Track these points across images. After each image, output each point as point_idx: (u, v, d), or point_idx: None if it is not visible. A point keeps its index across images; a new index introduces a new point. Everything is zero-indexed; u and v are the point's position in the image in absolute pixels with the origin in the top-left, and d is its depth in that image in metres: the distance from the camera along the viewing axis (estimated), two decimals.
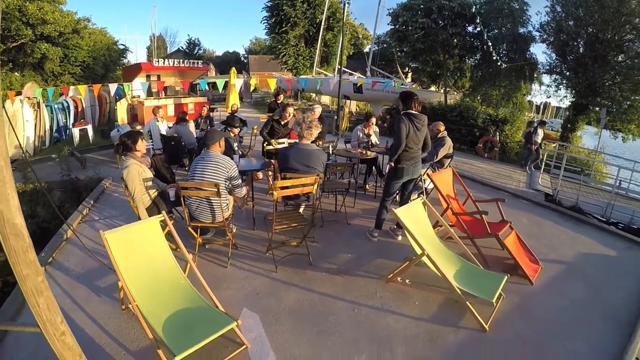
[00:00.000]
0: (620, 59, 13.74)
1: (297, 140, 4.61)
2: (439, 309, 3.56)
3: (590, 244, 5.86)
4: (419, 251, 3.60)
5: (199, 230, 4.19)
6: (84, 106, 13.09)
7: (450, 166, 6.21)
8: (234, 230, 4.65)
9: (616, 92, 13.83)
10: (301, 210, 4.89)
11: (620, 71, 13.63)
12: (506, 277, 3.65)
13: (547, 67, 15.73)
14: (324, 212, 5.42)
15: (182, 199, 3.92)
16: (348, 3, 17.84)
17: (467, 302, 3.38)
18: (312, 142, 4.56)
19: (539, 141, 11.46)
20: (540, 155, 11.22)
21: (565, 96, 15.87)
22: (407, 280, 3.90)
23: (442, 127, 6.40)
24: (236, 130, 6.70)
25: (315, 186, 4.00)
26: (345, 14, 16.88)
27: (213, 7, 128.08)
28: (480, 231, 4.54)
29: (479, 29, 14.99)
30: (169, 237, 3.39)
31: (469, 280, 3.59)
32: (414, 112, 4.43)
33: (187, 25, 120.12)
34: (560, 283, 4.43)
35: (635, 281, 4.74)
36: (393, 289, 3.83)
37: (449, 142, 6.32)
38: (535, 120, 13.68)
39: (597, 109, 14.44)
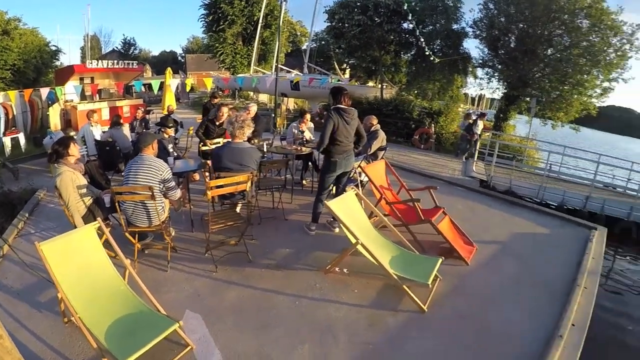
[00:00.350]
0: (549, 52, 14.67)
1: (230, 140, 4.66)
2: (377, 295, 3.73)
3: (523, 224, 6.22)
4: (353, 241, 3.73)
5: (137, 235, 4.14)
6: (15, 113, 12.30)
7: (383, 158, 6.37)
8: (173, 234, 4.63)
9: (545, 83, 14.83)
10: (238, 209, 4.94)
11: (549, 63, 14.56)
12: (441, 260, 3.84)
13: (480, 61, 16.58)
14: (262, 210, 5.47)
15: (117, 204, 3.86)
16: (285, 1, 17.82)
17: (404, 286, 3.55)
18: (248, 140, 4.62)
19: (479, 132, 12.07)
20: (478, 146, 11.85)
21: (498, 88, 16.82)
22: (345, 270, 4.04)
23: (374, 121, 6.57)
24: (170, 131, 6.63)
25: (249, 184, 4.08)
26: (282, 12, 16.85)
27: (150, 5, 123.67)
28: (414, 218, 4.76)
29: (412, 25, 15.40)
30: (107, 244, 3.34)
31: (404, 266, 3.76)
32: (343, 106, 4.56)
33: (123, 24, 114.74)
34: (495, 261, 4.72)
35: (567, 255, 5.12)
36: (332, 279, 3.96)
37: (382, 135, 6.51)
38: (472, 111, 14.45)
39: (527, 99, 15.42)
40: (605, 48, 13.77)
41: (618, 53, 13.81)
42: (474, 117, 12.40)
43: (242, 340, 3.05)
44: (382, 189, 5.09)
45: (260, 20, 24.41)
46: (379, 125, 6.59)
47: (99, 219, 3.49)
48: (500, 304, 3.81)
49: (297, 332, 3.15)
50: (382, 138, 6.50)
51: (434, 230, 4.60)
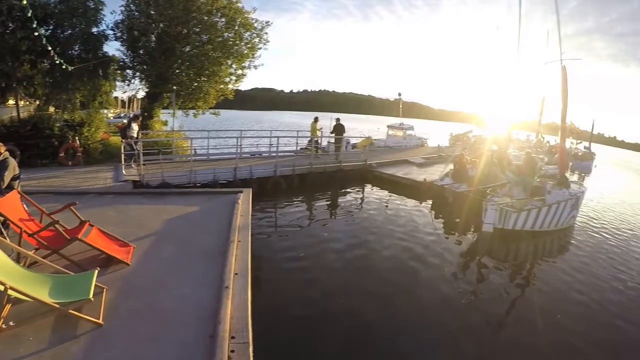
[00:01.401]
0: (187, 49, 16.31)
1: None
2: (53, 331, 3.63)
3: (175, 209, 7.10)
4: (1, 288, 3.43)
5: None
6: None
7: (17, 188, 5.78)
8: None
9: (184, 77, 16.63)
10: None
11: (186, 59, 16.24)
12: (96, 272, 4.01)
13: (121, 63, 16.66)
14: None
15: None
16: None
17: (70, 311, 3.62)
18: None
19: (135, 135, 12.41)
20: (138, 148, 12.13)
21: (140, 88, 17.57)
22: (11, 323, 3.67)
23: (2, 149, 5.87)
24: None
25: None
26: None
27: None
28: (61, 241, 4.73)
29: (49, 31, 13.70)
30: None
31: (62, 291, 3.79)
32: None
33: None
34: (155, 251, 5.32)
35: (219, 221, 6.20)
36: (3, 338, 3.53)
37: (12, 163, 5.88)
38: (124, 115, 14.60)
39: (169, 94, 16.95)
40: (238, 42, 16.66)
41: (249, 46, 17.06)
42: (126, 120, 12.62)
43: None
44: (21, 222, 4.75)
45: None
46: (7, 153, 5.90)
47: None
48: (170, 285, 4.33)
49: None
50: (13, 166, 5.83)
51: (86, 245, 4.81)
